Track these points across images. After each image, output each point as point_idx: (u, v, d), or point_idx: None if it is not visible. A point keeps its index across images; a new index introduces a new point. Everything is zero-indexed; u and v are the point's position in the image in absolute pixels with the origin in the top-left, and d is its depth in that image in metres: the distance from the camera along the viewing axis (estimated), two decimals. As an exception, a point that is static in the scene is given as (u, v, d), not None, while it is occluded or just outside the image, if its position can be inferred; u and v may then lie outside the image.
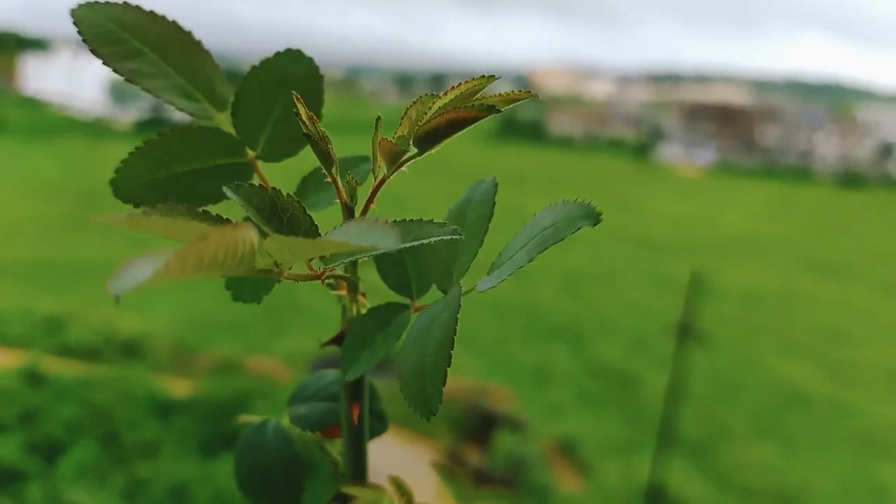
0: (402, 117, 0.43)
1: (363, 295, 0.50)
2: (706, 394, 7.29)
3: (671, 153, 38.20)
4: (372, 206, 0.45)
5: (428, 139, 0.43)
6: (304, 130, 0.41)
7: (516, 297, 9.96)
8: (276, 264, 0.38)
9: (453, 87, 0.42)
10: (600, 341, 8.69)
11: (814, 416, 7.26)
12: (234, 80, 0.54)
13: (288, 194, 0.39)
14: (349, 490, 0.52)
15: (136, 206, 0.50)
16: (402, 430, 5.24)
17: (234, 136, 0.52)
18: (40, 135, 25.98)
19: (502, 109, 0.41)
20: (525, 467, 5.12)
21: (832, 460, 6.39)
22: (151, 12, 0.49)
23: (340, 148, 0.47)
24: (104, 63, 0.47)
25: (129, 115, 35.43)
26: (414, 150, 0.44)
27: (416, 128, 0.42)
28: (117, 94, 38.59)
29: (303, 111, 0.41)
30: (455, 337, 0.42)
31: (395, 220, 0.39)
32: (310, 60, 0.53)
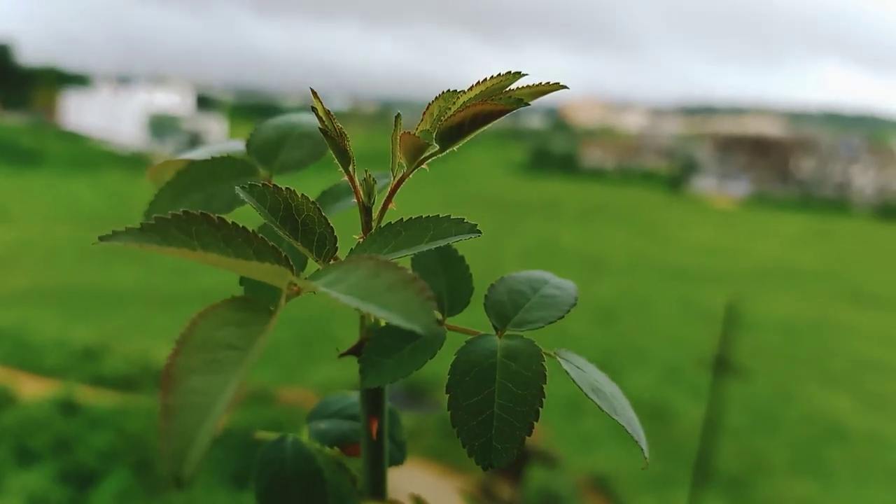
0: (424, 113, 0.41)
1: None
2: (743, 426, 7.15)
3: (705, 185, 37.85)
4: (391, 206, 0.43)
5: (451, 134, 0.40)
6: (321, 126, 0.40)
7: (547, 327, 9.87)
8: (293, 284, 0.36)
9: (478, 83, 0.40)
10: (633, 372, 8.57)
11: (853, 450, 7.08)
12: (268, 111, 0.56)
13: (303, 195, 0.38)
14: (369, 507, 0.50)
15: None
16: (432, 464, 5.19)
17: (247, 160, 0.55)
18: (80, 167, 26.50)
19: (530, 103, 0.39)
20: (558, 502, 5.04)
21: (872, 495, 6.22)
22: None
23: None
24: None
25: (167, 148, 35.96)
26: (435, 147, 0.41)
27: (439, 123, 0.40)
28: (156, 129, 39.26)
29: (319, 107, 0.39)
30: (541, 406, 0.41)
31: (412, 218, 0.38)
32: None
